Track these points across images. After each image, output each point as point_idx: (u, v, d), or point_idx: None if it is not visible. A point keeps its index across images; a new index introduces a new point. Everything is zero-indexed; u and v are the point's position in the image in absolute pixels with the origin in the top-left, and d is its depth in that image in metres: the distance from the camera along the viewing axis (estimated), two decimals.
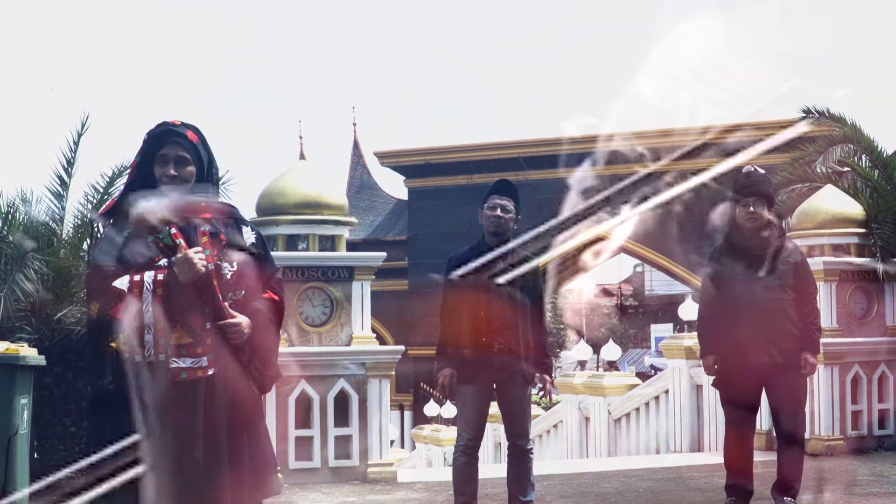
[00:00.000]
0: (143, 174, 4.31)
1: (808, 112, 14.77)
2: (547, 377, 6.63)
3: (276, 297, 4.42)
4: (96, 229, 4.55)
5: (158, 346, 4.05)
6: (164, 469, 4.01)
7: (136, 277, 4.10)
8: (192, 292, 4.12)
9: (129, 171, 4.45)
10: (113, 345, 4.06)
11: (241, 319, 4.21)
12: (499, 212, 6.61)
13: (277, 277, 4.48)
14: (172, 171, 4.26)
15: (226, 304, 4.20)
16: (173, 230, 4.22)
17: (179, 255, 4.12)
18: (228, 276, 4.25)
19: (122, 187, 4.55)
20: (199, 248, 4.16)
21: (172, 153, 4.28)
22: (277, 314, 4.42)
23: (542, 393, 6.69)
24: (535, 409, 15.72)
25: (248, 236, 4.39)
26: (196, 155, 4.32)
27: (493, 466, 10.78)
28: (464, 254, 6.69)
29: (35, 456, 8.86)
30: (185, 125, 4.35)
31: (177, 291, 4.09)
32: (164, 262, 4.14)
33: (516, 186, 6.85)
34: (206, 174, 4.37)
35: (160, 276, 4.10)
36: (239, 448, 4.16)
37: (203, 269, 4.12)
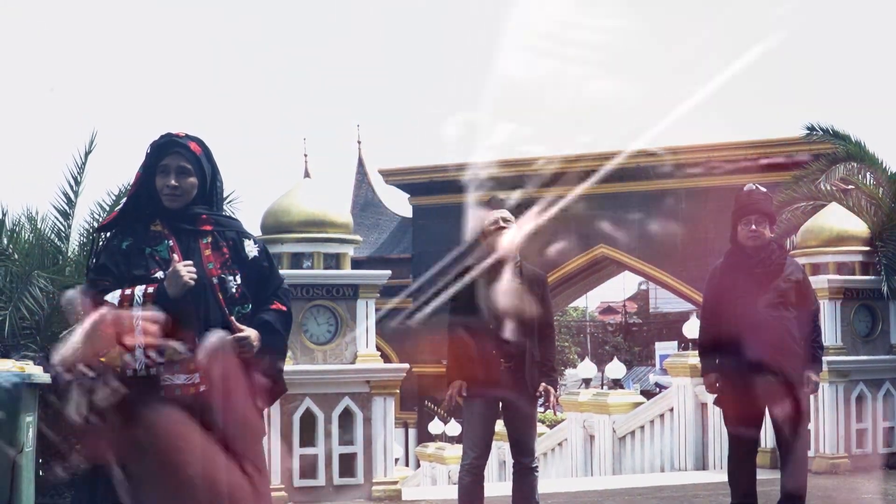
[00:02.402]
0: (147, 186, 4.30)
1: (812, 129, 14.79)
2: (551, 389, 6.61)
3: (284, 308, 4.40)
4: (97, 245, 4.51)
5: (149, 360, 4.03)
6: (160, 486, 4.00)
7: (128, 291, 4.08)
8: (183, 307, 4.08)
9: (132, 182, 4.44)
10: (103, 360, 4.04)
11: (250, 332, 4.20)
12: (499, 223, 6.63)
13: (285, 288, 4.45)
14: (173, 182, 4.23)
15: (232, 317, 4.20)
16: (171, 243, 4.23)
17: (170, 270, 4.11)
18: (233, 290, 4.25)
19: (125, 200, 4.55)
20: (189, 262, 4.13)
21: (174, 164, 4.25)
22: (286, 325, 4.39)
23: (544, 406, 6.69)
24: (539, 427, 15.70)
25: (251, 249, 4.36)
26: (198, 167, 4.29)
27: (497, 485, 10.77)
28: (473, 269, 6.71)
29: (40, 474, 8.86)
30: (189, 137, 4.32)
31: (166, 306, 4.06)
32: (159, 275, 4.12)
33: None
34: (210, 187, 4.35)
35: (150, 290, 4.07)
36: (238, 465, 4.13)
37: (191, 282, 4.08)
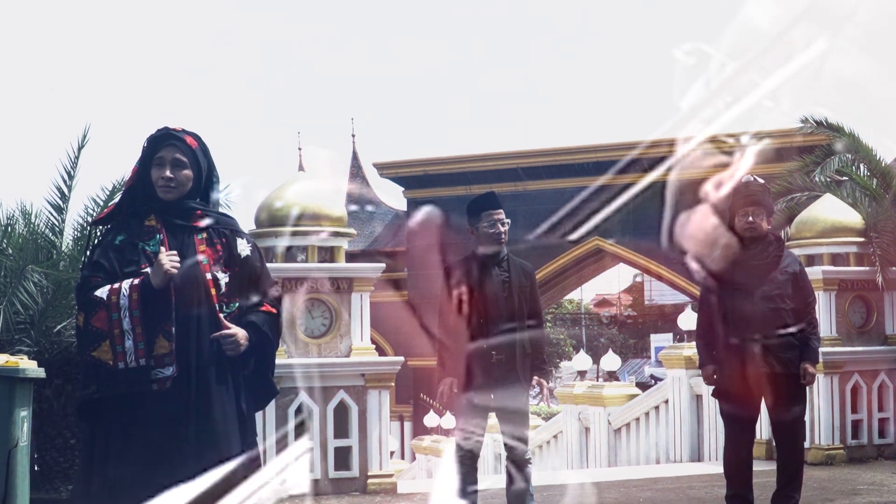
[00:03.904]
0: (143, 179, 4.29)
1: (806, 121, 14.80)
2: (544, 381, 6.64)
3: (274, 311, 4.39)
4: (92, 240, 4.50)
5: (139, 351, 4.03)
6: (150, 477, 4.00)
7: (116, 285, 4.09)
8: (167, 300, 4.08)
9: (128, 176, 4.43)
10: (94, 354, 4.05)
11: (237, 331, 4.18)
12: (500, 227, 6.63)
13: (275, 291, 4.45)
14: (168, 173, 4.23)
15: (221, 315, 4.19)
16: (161, 236, 4.22)
17: (156, 260, 4.10)
18: (224, 288, 4.24)
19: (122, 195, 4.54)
20: (173, 252, 4.12)
21: (169, 156, 4.24)
22: (275, 328, 4.37)
23: (538, 398, 6.70)
24: (534, 420, 15.70)
25: (244, 248, 4.35)
26: (194, 160, 4.28)
27: (492, 477, 10.76)
28: (461, 263, 6.72)
29: (35, 468, 8.86)
30: (185, 131, 4.33)
31: (152, 298, 4.06)
32: (149, 270, 4.12)
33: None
34: (206, 181, 4.34)
35: (136, 283, 4.08)
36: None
37: (174, 270, 4.07)
